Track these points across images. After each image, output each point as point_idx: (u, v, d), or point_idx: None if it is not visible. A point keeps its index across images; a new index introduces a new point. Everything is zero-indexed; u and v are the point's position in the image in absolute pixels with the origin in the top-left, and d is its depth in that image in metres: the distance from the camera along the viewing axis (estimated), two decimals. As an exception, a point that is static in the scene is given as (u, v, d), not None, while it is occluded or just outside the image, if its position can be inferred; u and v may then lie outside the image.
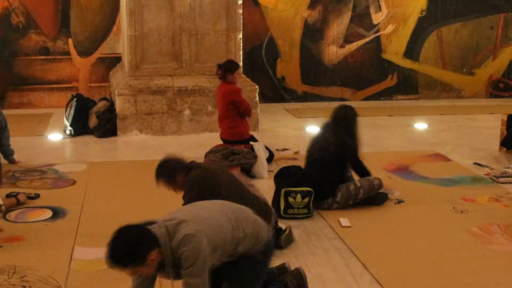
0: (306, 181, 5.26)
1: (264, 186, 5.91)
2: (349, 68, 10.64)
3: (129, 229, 3.08)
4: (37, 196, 5.63)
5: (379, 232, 4.89)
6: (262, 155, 6.37)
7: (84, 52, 9.93)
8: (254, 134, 7.29)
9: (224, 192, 4.17)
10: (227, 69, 6.72)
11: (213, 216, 3.30)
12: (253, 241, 3.38)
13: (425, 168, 6.63)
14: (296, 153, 7.09)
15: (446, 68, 10.94)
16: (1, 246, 4.58)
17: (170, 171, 4.28)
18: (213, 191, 4.15)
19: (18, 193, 5.56)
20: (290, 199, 5.10)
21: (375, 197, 5.43)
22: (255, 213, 3.54)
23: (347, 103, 10.42)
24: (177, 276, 3.17)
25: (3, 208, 5.20)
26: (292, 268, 3.92)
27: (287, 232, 4.62)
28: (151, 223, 3.19)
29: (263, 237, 3.42)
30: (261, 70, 10.30)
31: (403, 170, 6.54)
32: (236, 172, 5.33)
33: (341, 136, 5.36)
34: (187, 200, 4.21)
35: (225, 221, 3.30)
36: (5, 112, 9.37)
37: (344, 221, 5.04)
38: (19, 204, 5.39)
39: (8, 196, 5.46)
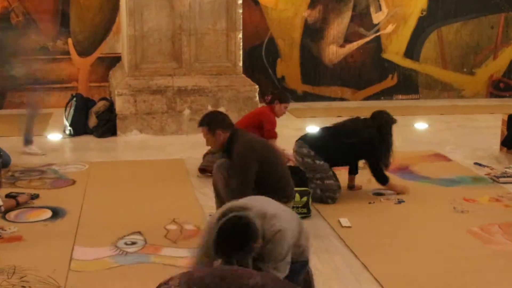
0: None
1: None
2: (349, 68, 10.64)
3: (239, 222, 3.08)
4: (36, 196, 5.62)
5: (379, 232, 4.88)
6: None
7: (84, 52, 9.92)
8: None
9: (269, 156, 4.62)
10: (277, 97, 6.67)
11: (289, 218, 3.35)
12: (303, 251, 3.43)
13: (425, 168, 6.62)
14: (296, 153, 7.07)
15: (447, 68, 10.94)
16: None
17: (213, 121, 4.58)
18: (263, 157, 4.55)
19: (18, 194, 5.55)
20: None
21: None
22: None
23: (347, 103, 10.48)
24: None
25: (2, 209, 5.19)
26: None
27: None
28: (245, 208, 3.20)
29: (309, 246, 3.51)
30: (261, 70, 10.29)
31: (403, 170, 6.53)
32: None
33: (371, 133, 5.57)
34: (243, 175, 4.47)
35: (295, 226, 3.36)
36: (5, 111, 9.45)
37: (344, 221, 5.04)
38: (18, 205, 5.38)
39: (7, 196, 5.44)
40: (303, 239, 3.42)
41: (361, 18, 10.51)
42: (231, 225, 3.03)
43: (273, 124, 6.49)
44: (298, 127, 8.66)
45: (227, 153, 4.66)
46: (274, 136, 6.45)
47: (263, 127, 6.40)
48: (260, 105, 8.20)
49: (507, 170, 6.45)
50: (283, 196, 4.58)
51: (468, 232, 4.86)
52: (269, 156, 4.69)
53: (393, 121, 5.80)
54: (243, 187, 4.41)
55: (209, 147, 6.62)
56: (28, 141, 7.13)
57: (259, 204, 3.30)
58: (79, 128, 8.17)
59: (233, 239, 2.99)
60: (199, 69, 8.33)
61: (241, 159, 4.52)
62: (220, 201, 4.65)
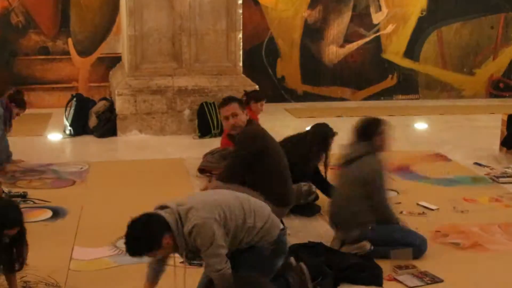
0: None
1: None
2: (349, 68, 10.64)
3: (139, 220, 3.28)
4: (25, 194, 5.61)
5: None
6: None
7: (84, 52, 9.93)
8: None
9: (272, 154, 4.43)
10: (252, 97, 6.62)
11: (227, 202, 3.43)
12: (263, 236, 3.49)
13: (425, 168, 6.62)
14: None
15: (446, 68, 10.94)
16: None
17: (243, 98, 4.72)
18: (263, 150, 4.37)
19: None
20: None
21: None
22: (271, 212, 3.63)
23: (347, 103, 10.47)
24: (193, 258, 3.42)
25: None
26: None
27: None
28: (165, 207, 3.37)
29: (273, 235, 3.53)
30: (261, 70, 10.29)
31: (404, 170, 6.53)
32: None
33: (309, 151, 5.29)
34: (236, 157, 4.39)
35: (238, 209, 3.44)
36: (5, 112, 9.43)
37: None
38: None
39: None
40: (253, 220, 3.45)
41: (361, 18, 10.51)
42: (133, 228, 3.26)
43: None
44: (298, 127, 8.65)
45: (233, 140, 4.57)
46: None
47: None
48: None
49: (507, 170, 6.45)
50: (281, 203, 4.51)
51: (468, 232, 4.86)
52: (273, 148, 4.53)
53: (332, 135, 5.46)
54: (227, 170, 4.34)
55: (209, 149, 6.68)
56: None
57: (183, 200, 3.44)
58: (79, 128, 8.17)
59: (138, 239, 3.24)
60: (199, 69, 8.33)
61: (238, 143, 4.45)
62: None
